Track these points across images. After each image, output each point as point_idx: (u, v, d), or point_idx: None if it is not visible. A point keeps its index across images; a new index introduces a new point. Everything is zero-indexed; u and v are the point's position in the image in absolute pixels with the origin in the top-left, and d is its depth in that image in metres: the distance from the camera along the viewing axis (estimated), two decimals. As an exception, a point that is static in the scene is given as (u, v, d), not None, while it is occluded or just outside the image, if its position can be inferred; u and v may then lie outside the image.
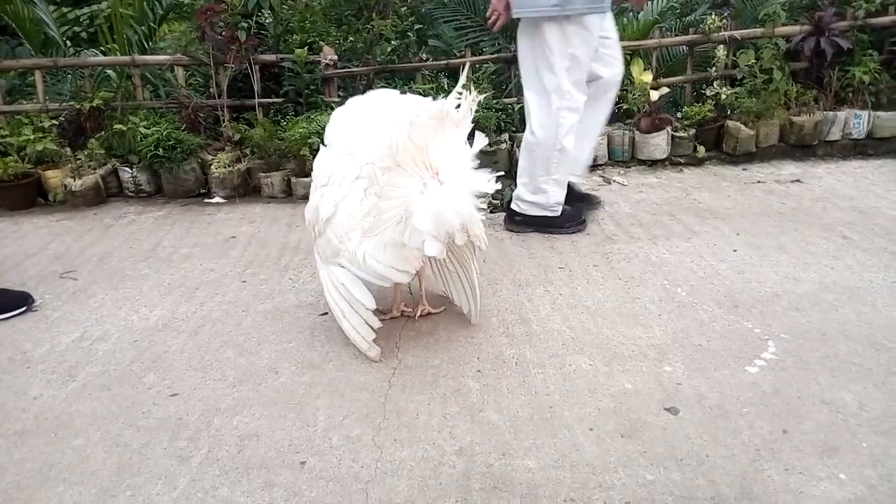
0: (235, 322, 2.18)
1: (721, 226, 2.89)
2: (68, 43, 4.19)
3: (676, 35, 4.45)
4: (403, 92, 3.72)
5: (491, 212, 3.39)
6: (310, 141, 3.42)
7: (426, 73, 4.14)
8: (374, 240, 1.79)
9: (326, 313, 2.21)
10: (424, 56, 4.30)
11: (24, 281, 2.52)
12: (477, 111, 3.21)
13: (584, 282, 2.41)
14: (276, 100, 4.00)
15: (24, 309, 2.26)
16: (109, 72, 4.22)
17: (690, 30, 4.24)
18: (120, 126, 3.51)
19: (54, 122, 3.62)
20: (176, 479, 1.48)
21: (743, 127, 3.91)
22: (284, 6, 4.34)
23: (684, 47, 4.57)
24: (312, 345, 2.02)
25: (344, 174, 1.89)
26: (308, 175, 3.48)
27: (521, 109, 4.07)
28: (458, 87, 1.72)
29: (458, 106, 1.70)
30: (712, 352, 1.92)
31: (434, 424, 1.64)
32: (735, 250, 2.62)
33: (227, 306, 2.30)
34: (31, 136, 3.38)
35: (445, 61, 4.13)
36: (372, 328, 1.91)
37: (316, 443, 1.59)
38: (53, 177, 3.48)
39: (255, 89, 3.91)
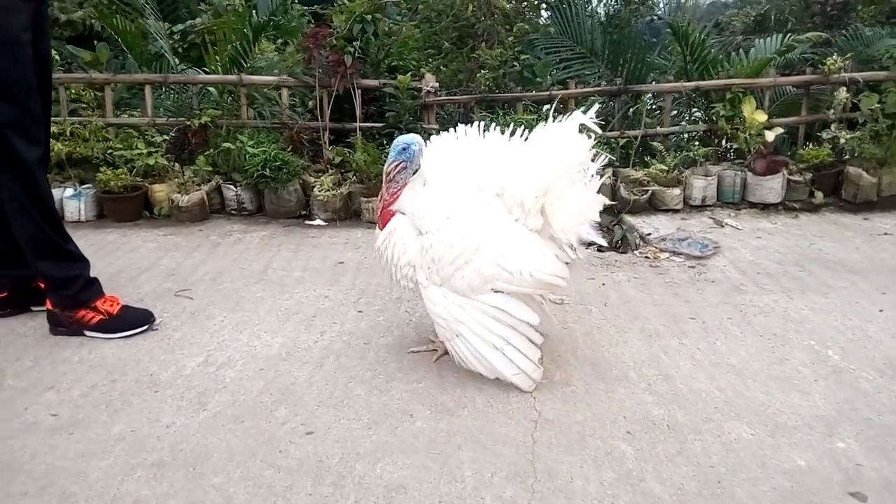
0: (359, 355, 2.11)
1: (857, 281, 2.69)
2: (176, 59, 4.28)
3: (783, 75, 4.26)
4: (503, 121, 3.68)
5: (599, 249, 3.27)
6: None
7: (527, 103, 4.07)
8: (534, 255, 1.85)
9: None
10: (537, 85, 4.20)
11: (140, 297, 2.52)
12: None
13: (720, 336, 2.25)
14: (375, 124, 4.00)
15: (146, 327, 2.25)
16: (211, 89, 4.29)
17: (808, 69, 4.05)
18: (227, 144, 3.54)
19: (166, 137, 3.68)
20: (327, 532, 1.39)
21: (865, 174, 3.69)
22: (387, 33, 4.35)
23: (791, 87, 4.39)
24: (443, 387, 1.93)
25: (474, 207, 1.88)
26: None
27: (626, 144, 3.97)
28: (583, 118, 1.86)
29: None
30: (886, 428, 1.74)
31: (592, 492, 1.51)
32: (881, 310, 2.42)
33: (347, 337, 2.23)
34: (144, 150, 3.44)
35: (548, 92, 4.05)
36: (537, 345, 1.91)
37: (468, 502, 1.48)
38: (160, 191, 3.54)
39: (357, 113, 3.91)
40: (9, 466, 1.57)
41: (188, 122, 3.69)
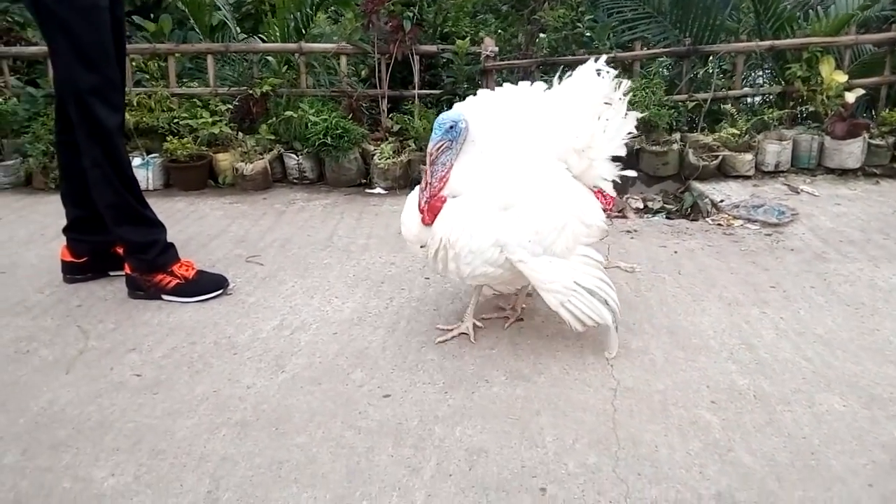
0: (430, 321, 2.10)
1: (952, 250, 2.53)
2: (238, 29, 4.30)
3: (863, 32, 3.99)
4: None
5: (668, 217, 3.17)
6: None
7: (590, 66, 3.93)
8: (593, 205, 1.90)
9: (522, 319, 2.10)
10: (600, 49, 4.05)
11: (212, 263, 2.57)
12: (649, 108, 3.28)
13: (804, 305, 2.15)
14: (432, 91, 3.95)
15: (220, 291, 2.29)
16: (270, 58, 4.30)
17: (894, 26, 3.78)
18: (290, 112, 3.55)
19: (229, 106, 3.72)
20: (411, 493, 1.39)
21: (955, 137, 3.45)
22: (445, -4, 4.26)
23: (871, 46, 4.11)
24: (517, 354, 1.90)
25: (549, 168, 1.84)
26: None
27: (695, 108, 3.81)
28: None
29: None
30: None
31: (679, 461, 1.47)
32: (980, 280, 2.27)
33: (416, 303, 2.22)
34: (209, 119, 3.48)
35: (613, 54, 3.90)
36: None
37: (551, 468, 1.46)
38: (224, 160, 3.58)
39: (415, 80, 3.86)
40: (101, 424, 1.63)
41: (250, 92, 3.71)
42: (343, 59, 3.92)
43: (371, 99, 3.89)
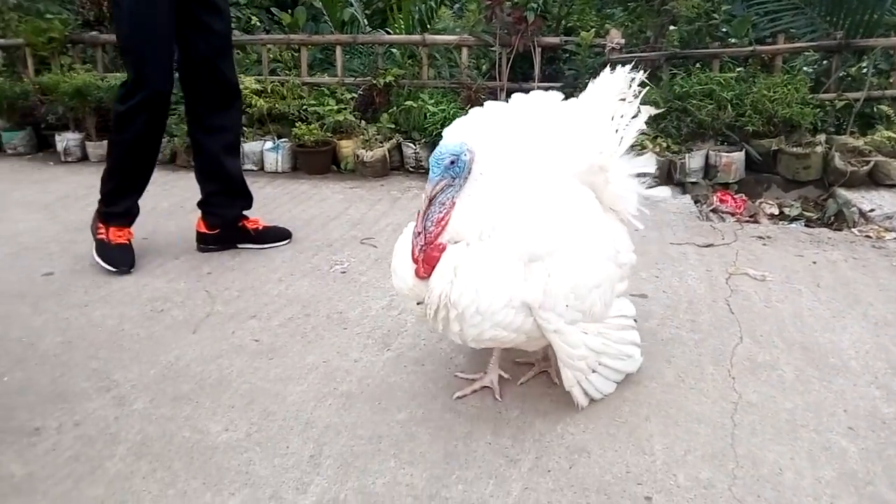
0: (536, 315, 2.05)
1: None
2: (366, 21, 4.45)
3: None
4: (696, 80, 3.33)
5: (807, 224, 2.90)
6: (596, 129, 3.21)
7: (726, 59, 3.69)
8: (624, 236, 1.64)
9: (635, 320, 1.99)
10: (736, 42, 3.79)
11: (330, 242, 2.67)
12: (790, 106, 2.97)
13: (971, 332, 1.88)
14: (553, 84, 3.86)
15: (287, 241, 2.65)
16: (394, 50, 4.41)
17: None
18: (410, 103, 3.62)
19: (353, 95, 3.85)
20: (508, 483, 1.36)
21: None
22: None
23: None
24: (627, 355, 1.81)
25: (582, 203, 1.52)
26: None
27: (844, 108, 3.46)
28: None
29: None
30: None
31: (807, 488, 1.32)
32: None
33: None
34: (335, 107, 3.63)
35: (751, 48, 3.64)
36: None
37: (658, 477, 1.36)
38: (346, 146, 3.72)
39: (535, 72, 3.81)
40: (220, 382, 1.74)
41: (374, 81, 3.83)
42: (464, 51, 3.95)
43: (490, 91, 3.87)
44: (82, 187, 3.48)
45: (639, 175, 1.63)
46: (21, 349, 1.92)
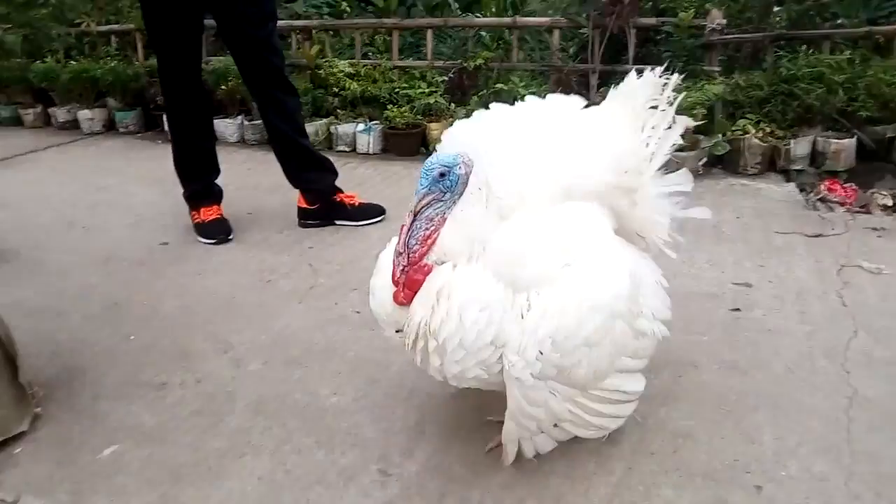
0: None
1: None
2: (455, 4, 4.47)
3: None
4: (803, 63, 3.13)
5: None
6: (694, 112, 3.11)
7: (838, 41, 3.47)
8: (659, 293, 1.34)
9: (739, 309, 1.94)
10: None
11: (422, 221, 2.72)
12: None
13: None
14: (647, 67, 3.76)
15: (382, 217, 2.74)
16: (483, 33, 4.40)
17: None
18: (501, 85, 3.61)
19: (444, 78, 3.89)
20: (610, 462, 1.36)
21: None
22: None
23: None
24: (731, 345, 1.76)
25: (593, 232, 1.24)
26: (685, 147, 3.19)
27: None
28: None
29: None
30: None
31: (933, 489, 1.26)
32: None
33: (619, 280, 2.16)
34: (426, 90, 3.67)
35: (866, 28, 3.40)
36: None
37: (768, 467, 1.33)
38: (435, 129, 3.76)
39: (629, 54, 3.71)
40: (326, 349, 1.82)
41: (464, 64, 3.84)
42: (556, 34, 3.89)
43: (580, 74, 3.81)
44: (189, 165, 3.70)
45: (672, 194, 1.38)
46: (145, 311, 2.08)
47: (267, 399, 1.62)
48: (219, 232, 2.58)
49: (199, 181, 2.67)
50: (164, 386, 1.70)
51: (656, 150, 1.33)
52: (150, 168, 3.72)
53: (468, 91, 3.93)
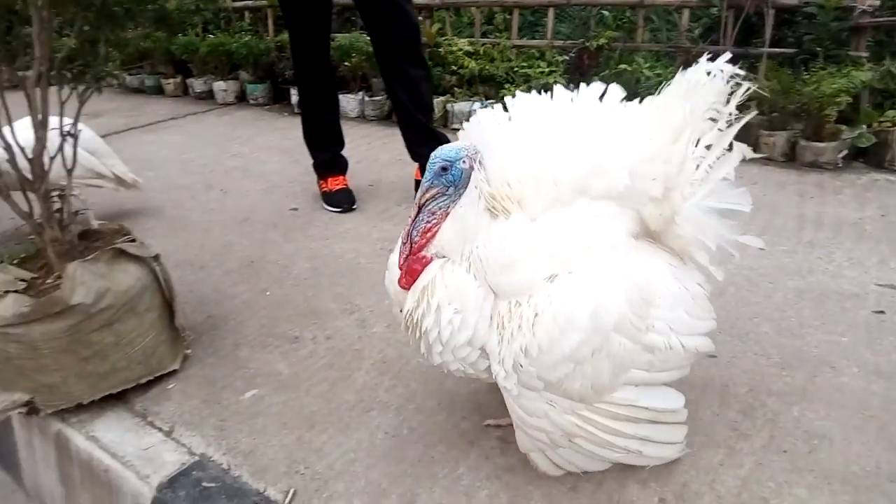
0: (764, 294, 1.94)
1: None
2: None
3: None
4: None
5: None
6: (837, 100, 2.89)
7: None
8: (685, 301, 1.19)
9: (884, 311, 1.80)
10: None
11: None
12: None
13: None
14: (786, 50, 3.53)
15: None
16: (605, 12, 4.29)
17: None
18: (624, 66, 3.51)
19: (565, 57, 3.84)
20: (739, 456, 1.32)
21: None
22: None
23: None
24: (874, 348, 1.65)
25: (595, 239, 1.12)
26: (824, 137, 2.99)
27: None
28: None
29: None
30: None
31: None
32: None
33: (747, 272, 2.06)
34: (546, 69, 3.64)
35: None
36: (684, 423, 1.27)
37: (917, 479, 1.25)
38: (552, 109, 3.72)
39: (766, 36, 3.49)
40: (445, 318, 1.88)
41: (586, 44, 3.77)
42: (685, 13, 3.73)
43: (710, 56, 3.62)
44: (312, 136, 3.88)
45: (724, 213, 1.18)
46: (277, 270, 2.23)
47: (391, 359, 1.69)
48: (344, 201, 2.70)
49: (327, 151, 2.80)
50: (297, 339, 1.82)
51: (709, 172, 1.15)
52: (278, 138, 3.95)
53: (587, 72, 3.85)
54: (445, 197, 1.19)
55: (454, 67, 4.05)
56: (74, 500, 1.60)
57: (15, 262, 1.56)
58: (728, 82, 1.14)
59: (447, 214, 1.19)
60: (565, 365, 1.09)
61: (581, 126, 1.16)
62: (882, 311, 1.81)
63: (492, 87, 3.97)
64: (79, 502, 1.58)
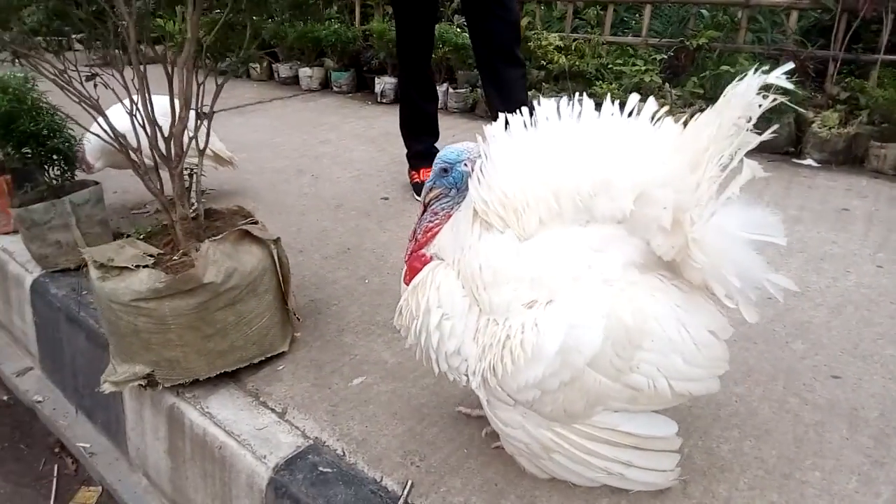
0: (887, 314, 1.83)
1: None
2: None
3: None
4: None
5: None
6: (965, 112, 2.71)
7: None
8: (682, 344, 1.08)
9: None
10: None
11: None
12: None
13: None
14: (902, 57, 3.32)
15: None
16: (704, 11, 4.14)
17: None
18: (726, 67, 3.39)
19: (664, 56, 3.73)
20: (875, 485, 1.25)
21: None
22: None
23: None
24: None
25: (580, 269, 1.07)
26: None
27: None
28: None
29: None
30: None
31: None
32: None
33: (865, 290, 1.96)
34: (642, 67, 3.54)
35: None
36: (676, 451, 1.21)
37: None
38: (643, 109, 3.63)
39: (882, 41, 3.29)
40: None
41: (686, 43, 3.65)
42: (794, 15, 3.56)
43: (819, 61, 3.46)
44: (399, 127, 3.91)
45: (754, 245, 1.04)
46: (374, 259, 2.25)
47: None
48: None
49: (422, 142, 2.81)
50: (398, 329, 1.83)
51: (712, 198, 1.02)
52: (363, 127, 3.99)
53: (682, 72, 3.73)
54: (448, 198, 1.21)
55: (543, 62, 4.00)
56: (182, 473, 1.65)
57: (141, 237, 1.63)
58: (759, 93, 0.98)
59: (449, 216, 1.21)
60: (532, 391, 1.08)
61: (594, 141, 1.09)
62: None
63: (581, 84, 3.90)
64: (187, 475, 1.63)
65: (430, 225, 1.23)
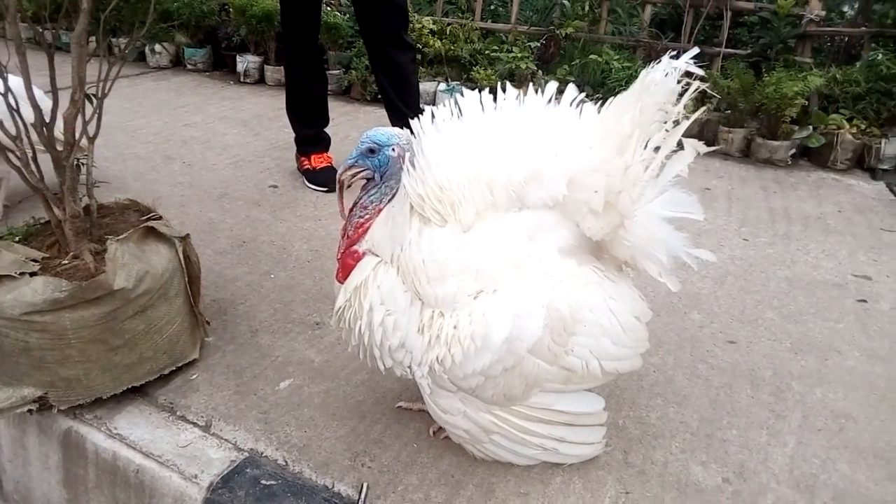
0: (759, 282, 2.07)
1: None
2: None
3: None
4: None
5: None
6: (795, 102, 3.11)
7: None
8: (611, 327, 1.17)
9: (866, 300, 1.98)
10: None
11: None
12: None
13: None
14: (738, 51, 3.74)
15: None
16: (565, 2, 4.35)
17: None
18: (594, 56, 3.59)
19: (536, 44, 3.86)
20: (781, 436, 1.42)
21: None
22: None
23: None
24: (868, 334, 1.81)
25: (521, 255, 1.11)
26: (778, 136, 3.21)
27: None
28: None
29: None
30: None
31: None
32: None
33: (739, 262, 2.19)
34: (518, 54, 3.65)
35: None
36: (602, 424, 1.31)
37: (934, 452, 1.40)
38: (518, 95, 3.75)
39: (722, 37, 3.69)
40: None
41: (556, 32, 3.81)
42: (648, 9, 3.86)
43: (671, 53, 3.78)
44: (270, 109, 3.69)
45: (674, 222, 1.15)
46: (275, 252, 2.11)
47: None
48: (330, 180, 2.59)
49: (311, 127, 2.67)
50: (318, 325, 1.74)
51: (654, 177, 1.09)
52: (230, 108, 3.71)
53: (551, 59, 3.91)
54: (377, 189, 1.17)
55: (419, 45, 3.97)
56: None
57: (17, 239, 1.38)
58: (679, 81, 1.05)
59: (380, 210, 1.17)
60: (476, 378, 1.13)
61: (521, 130, 1.12)
62: (864, 300, 1.98)
63: (454, 69, 3.94)
64: (89, 506, 1.44)
65: (361, 220, 1.18)
